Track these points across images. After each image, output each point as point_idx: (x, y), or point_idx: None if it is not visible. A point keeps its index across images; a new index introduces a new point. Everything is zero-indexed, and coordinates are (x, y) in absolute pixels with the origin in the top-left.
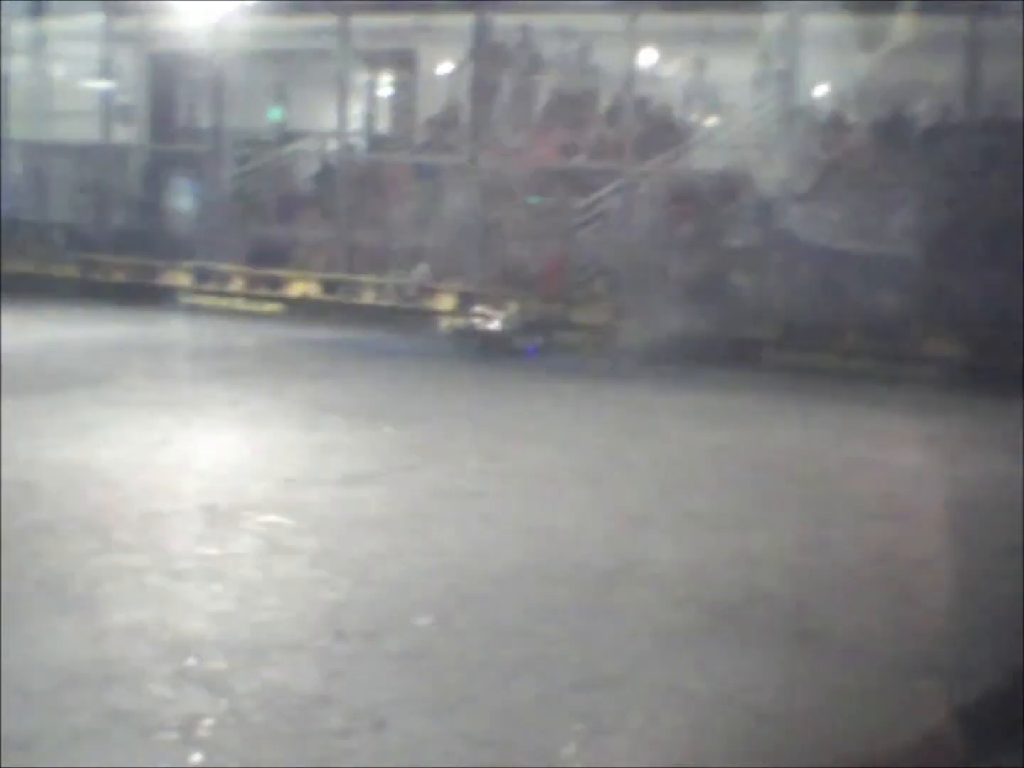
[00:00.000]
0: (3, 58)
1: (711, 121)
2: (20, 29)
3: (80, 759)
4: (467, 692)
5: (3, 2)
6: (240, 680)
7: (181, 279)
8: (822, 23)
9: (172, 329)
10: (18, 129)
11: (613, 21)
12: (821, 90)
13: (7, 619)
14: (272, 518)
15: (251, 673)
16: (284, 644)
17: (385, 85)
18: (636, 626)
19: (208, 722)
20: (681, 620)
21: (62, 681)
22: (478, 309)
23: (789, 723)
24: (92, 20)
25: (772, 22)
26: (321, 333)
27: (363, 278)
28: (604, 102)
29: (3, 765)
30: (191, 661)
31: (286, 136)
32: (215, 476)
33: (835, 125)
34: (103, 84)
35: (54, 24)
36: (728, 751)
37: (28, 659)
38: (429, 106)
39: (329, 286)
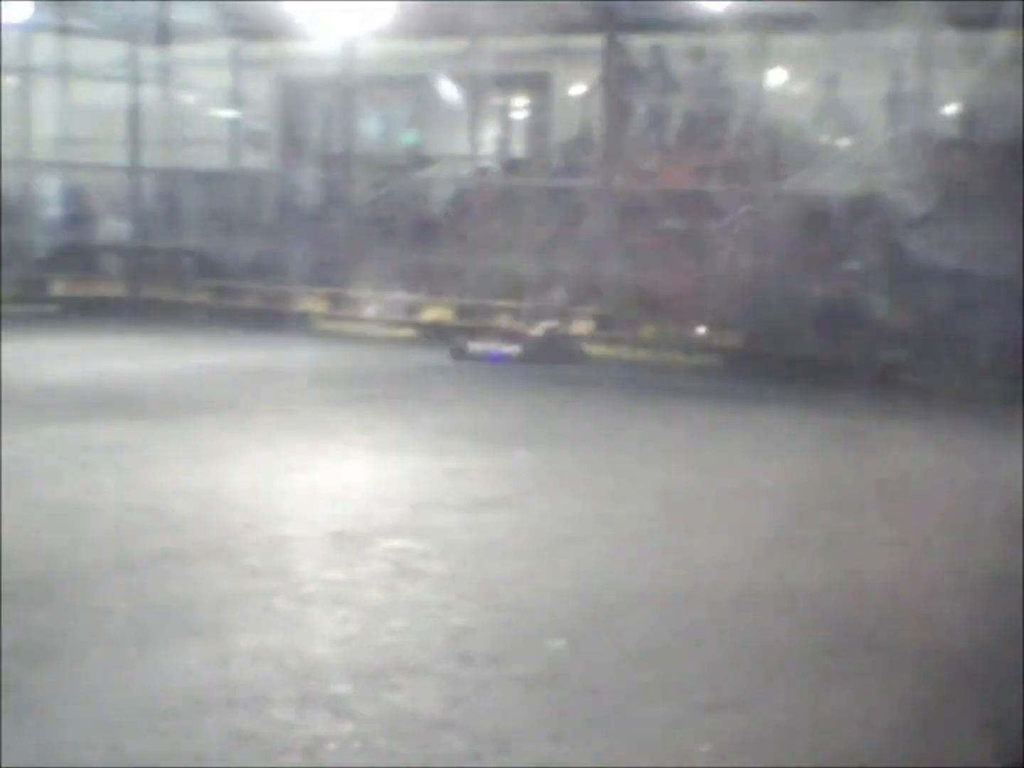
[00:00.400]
0: (136, 87)
1: (843, 142)
2: (151, 57)
3: None
4: (594, 716)
5: (134, 31)
6: (364, 704)
7: (314, 305)
8: (955, 40)
9: (304, 355)
10: (151, 157)
11: (744, 40)
12: (952, 110)
13: (134, 643)
14: (400, 543)
15: (375, 697)
16: (409, 668)
17: (519, 108)
18: (764, 650)
19: (331, 746)
20: (809, 645)
21: (187, 704)
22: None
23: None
24: (223, 46)
25: (905, 40)
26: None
27: (497, 302)
28: (736, 123)
29: (3, 765)
30: (315, 685)
31: (420, 160)
32: (344, 501)
33: (966, 145)
34: (234, 111)
35: (184, 51)
36: None
37: (154, 683)
38: (564, 129)
39: (463, 311)
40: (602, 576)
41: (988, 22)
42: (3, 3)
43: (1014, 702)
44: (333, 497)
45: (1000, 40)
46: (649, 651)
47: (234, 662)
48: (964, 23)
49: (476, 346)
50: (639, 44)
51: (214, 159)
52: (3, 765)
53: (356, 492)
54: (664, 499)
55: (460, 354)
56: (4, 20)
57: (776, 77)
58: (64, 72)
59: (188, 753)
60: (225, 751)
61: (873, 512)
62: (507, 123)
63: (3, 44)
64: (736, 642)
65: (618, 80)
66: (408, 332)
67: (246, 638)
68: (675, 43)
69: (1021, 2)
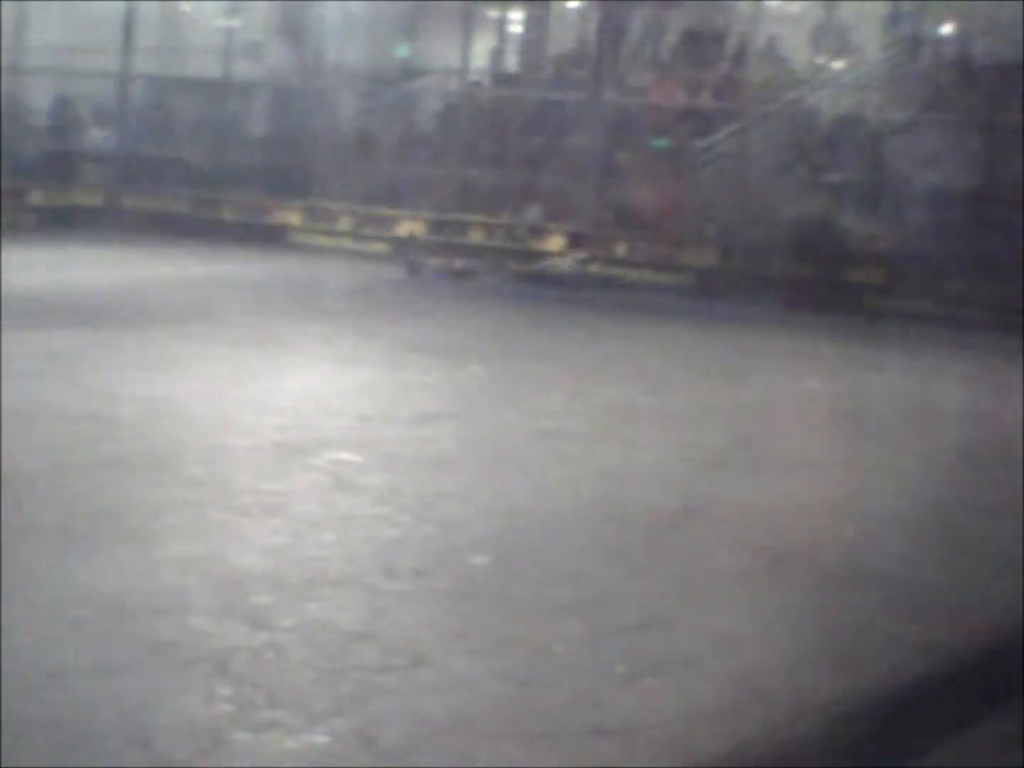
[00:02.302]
0: None
1: (837, 62)
2: None
3: (109, 690)
4: (511, 632)
5: None
6: (283, 615)
7: (291, 218)
8: None
9: (274, 268)
10: (144, 65)
11: None
12: (948, 31)
13: (62, 549)
14: (343, 455)
15: (295, 608)
16: (333, 580)
17: (516, 22)
18: (691, 569)
19: (243, 656)
20: (737, 563)
21: (105, 611)
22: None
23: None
24: None
25: None
26: (424, 273)
27: (471, 217)
28: (731, 40)
29: (2, 766)
30: (238, 595)
31: (412, 73)
32: (292, 413)
33: (958, 64)
34: (230, 20)
35: None
36: (756, 696)
37: (77, 589)
38: (560, 43)
39: (437, 226)
40: (537, 493)
41: None
42: None
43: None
44: (281, 408)
45: None
46: (574, 569)
47: (159, 570)
48: None
49: (433, 262)
50: None
51: (208, 69)
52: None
53: (305, 404)
54: (611, 417)
55: (415, 270)
56: None
57: None
58: None
59: (100, 660)
60: (136, 659)
61: (818, 435)
62: (503, 36)
63: None
64: (663, 562)
65: None
66: (381, 246)
67: (175, 547)
68: None
69: None
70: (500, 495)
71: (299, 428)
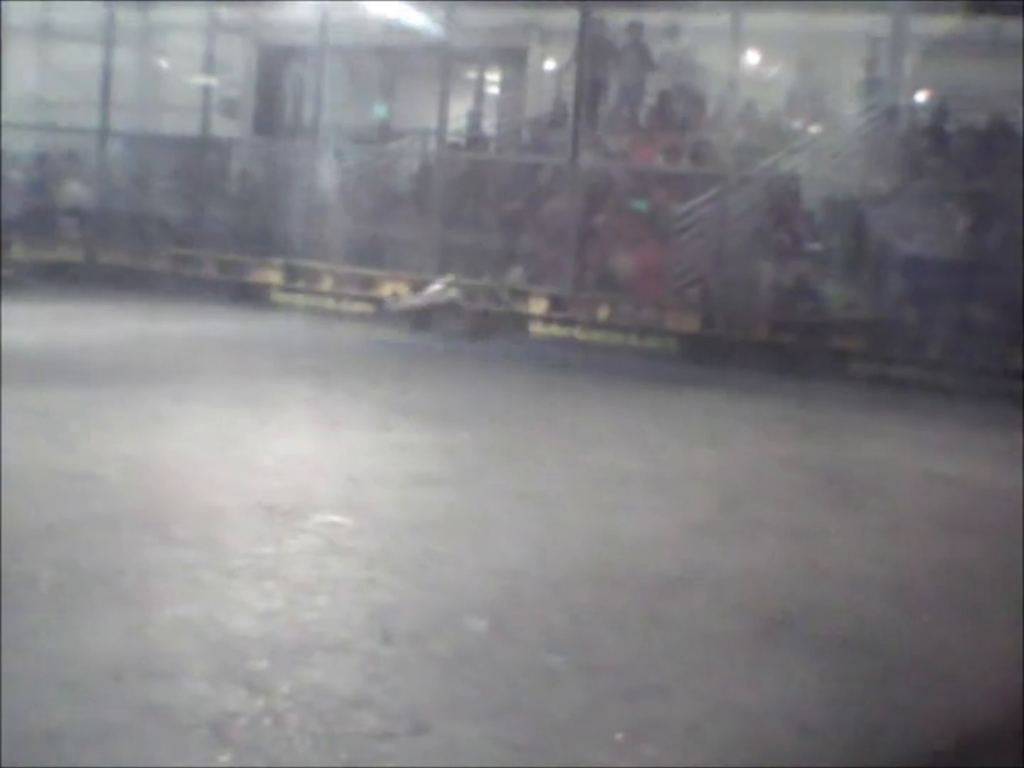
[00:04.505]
0: (109, 48)
1: (814, 127)
2: (129, 19)
3: (108, 754)
4: (511, 698)
5: None
6: (280, 680)
7: (271, 276)
8: (928, 27)
9: (257, 326)
10: (123, 121)
11: (721, 20)
12: (924, 96)
13: (53, 610)
14: (333, 518)
15: (292, 673)
16: (329, 645)
17: (493, 83)
18: (689, 634)
19: (242, 721)
20: (734, 629)
21: (101, 674)
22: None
23: (833, 737)
24: (200, 11)
25: (879, 25)
26: (408, 335)
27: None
28: (709, 103)
29: (3, 764)
30: (233, 659)
31: (389, 133)
32: (281, 474)
33: (935, 132)
34: (208, 78)
35: (161, 14)
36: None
37: (70, 650)
38: (536, 105)
39: (419, 287)
40: (531, 557)
41: (962, 10)
42: None
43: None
44: (270, 469)
45: (975, 24)
46: (571, 634)
47: (153, 633)
48: (938, 11)
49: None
50: (615, 20)
51: (186, 125)
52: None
53: (294, 465)
54: (601, 482)
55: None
56: None
57: (751, 58)
58: (41, 32)
59: (95, 723)
60: (134, 722)
61: (807, 501)
62: (481, 98)
63: None
64: (660, 627)
65: (593, 56)
66: (364, 307)
67: (168, 609)
68: (651, 20)
69: None
70: (493, 559)
71: (288, 490)
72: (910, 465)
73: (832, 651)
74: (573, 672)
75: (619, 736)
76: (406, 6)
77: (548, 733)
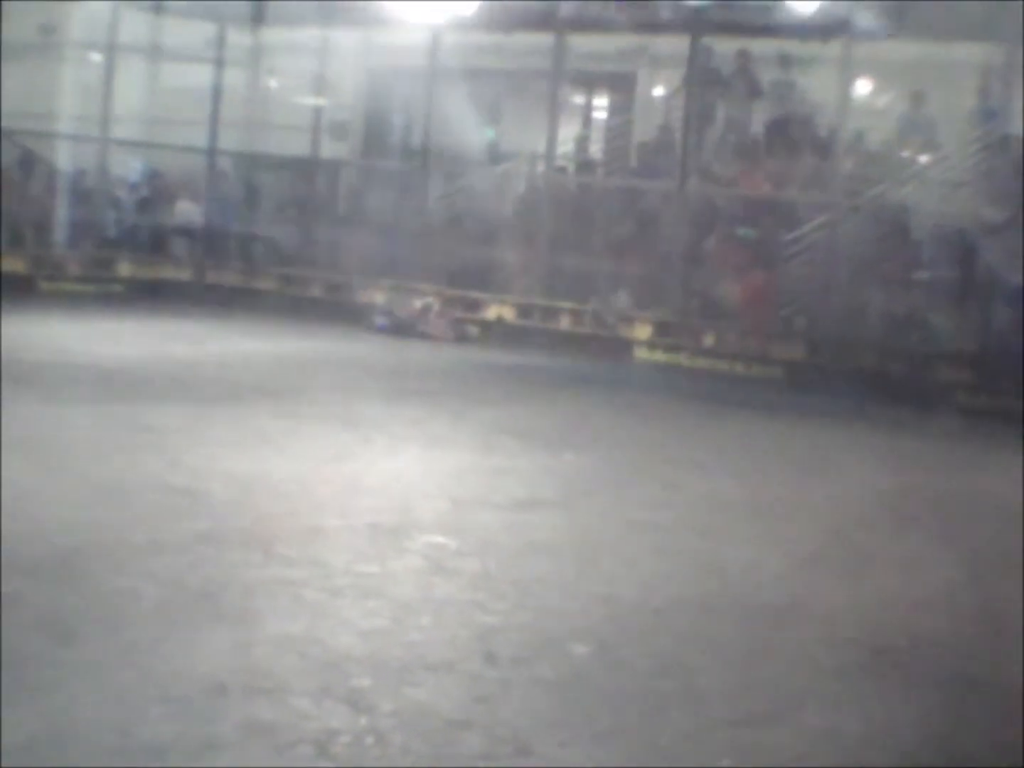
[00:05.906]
0: (220, 69)
1: (925, 156)
2: (240, 40)
3: None
4: (615, 723)
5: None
6: (384, 698)
7: (378, 297)
8: None
9: (363, 346)
10: (231, 141)
11: (831, 49)
12: None
13: (158, 626)
14: (437, 539)
15: (396, 692)
16: (432, 665)
17: (601, 108)
18: (794, 664)
19: (345, 739)
20: (839, 660)
21: (205, 690)
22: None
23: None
24: (311, 33)
25: (993, 54)
26: (513, 357)
27: (560, 303)
28: (817, 132)
29: (3, 765)
30: (337, 677)
31: (497, 156)
32: (385, 494)
33: None
34: (318, 99)
35: (274, 35)
36: None
37: (175, 667)
38: (644, 130)
39: (525, 310)
40: (636, 582)
41: None
42: None
43: None
44: (375, 489)
45: None
46: (675, 661)
47: (257, 650)
48: None
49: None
50: (724, 47)
51: (295, 146)
52: (3, 765)
53: (398, 485)
54: (707, 509)
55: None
56: None
57: (861, 87)
58: (152, 51)
59: (199, 739)
60: (237, 739)
61: (913, 533)
62: (589, 122)
63: (92, 20)
64: (766, 656)
65: (701, 83)
66: (472, 328)
67: (272, 626)
68: (761, 48)
69: None
70: (598, 584)
71: (392, 510)
72: (1018, 499)
73: (938, 685)
74: (678, 699)
75: (725, 763)
76: (516, 31)
77: (652, 758)
